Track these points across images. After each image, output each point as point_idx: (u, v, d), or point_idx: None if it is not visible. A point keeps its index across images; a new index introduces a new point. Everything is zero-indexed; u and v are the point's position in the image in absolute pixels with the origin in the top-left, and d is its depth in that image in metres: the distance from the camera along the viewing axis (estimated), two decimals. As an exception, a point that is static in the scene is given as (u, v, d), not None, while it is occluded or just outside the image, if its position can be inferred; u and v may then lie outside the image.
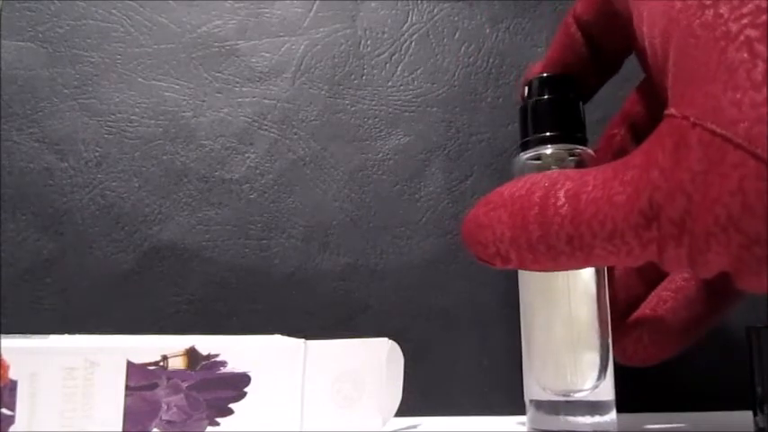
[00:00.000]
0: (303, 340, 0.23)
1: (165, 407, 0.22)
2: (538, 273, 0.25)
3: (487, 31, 0.35)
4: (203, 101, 0.34)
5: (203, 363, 0.22)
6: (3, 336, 0.21)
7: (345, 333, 0.31)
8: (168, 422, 0.22)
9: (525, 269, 0.22)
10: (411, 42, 0.34)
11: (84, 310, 0.32)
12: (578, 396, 0.24)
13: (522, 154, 0.26)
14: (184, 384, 0.22)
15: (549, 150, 0.25)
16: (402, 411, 0.25)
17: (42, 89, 0.33)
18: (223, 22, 0.34)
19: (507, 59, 0.34)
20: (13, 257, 0.32)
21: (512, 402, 0.30)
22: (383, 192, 0.33)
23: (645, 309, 0.28)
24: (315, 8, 0.35)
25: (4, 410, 0.21)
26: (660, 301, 0.28)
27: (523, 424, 0.27)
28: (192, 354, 0.22)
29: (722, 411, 0.31)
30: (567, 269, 0.21)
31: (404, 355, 0.25)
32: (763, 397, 0.24)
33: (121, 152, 0.33)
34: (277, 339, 0.23)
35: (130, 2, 0.34)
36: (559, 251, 0.20)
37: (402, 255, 0.33)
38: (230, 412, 0.22)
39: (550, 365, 0.24)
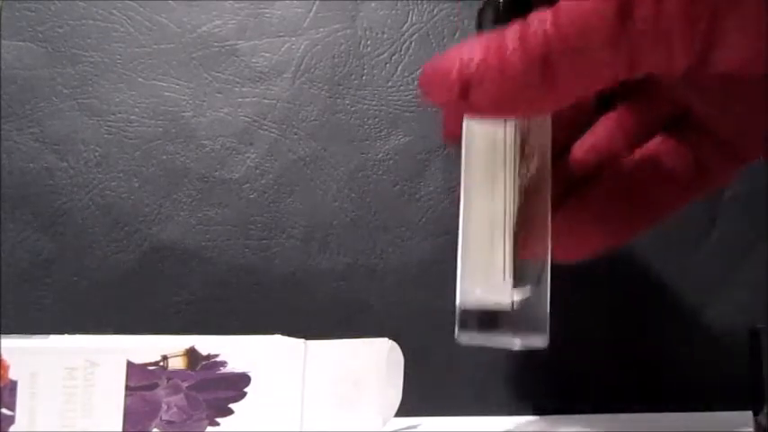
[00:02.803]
0: (303, 340, 0.23)
1: (165, 407, 0.22)
2: (477, 171, 0.23)
3: (487, 31, 0.35)
4: (203, 101, 0.34)
5: (203, 363, 0.22)
6: (3, 336, 0.21)
7: (345, 333, 0.31)
8: (168, 422, 0.22)
9: (482, 109, 0.19)
10: (411, 42, 0.34)
11: (84, 310, 0.32)
12: (508, 303, 0.21)
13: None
14: (184, 384, 0.22)
15: None
16: (402, 411, 0.25)
17: (42, 89, 0.33)
18: (223, 22, 0.34)
19: (507, 59, 0.34)
20: (12, 257, 0.32)
21: (512, 402, 0.30)
22: (383, 192, 0.33)
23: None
24: (315, 8, 0.35)
25: (4, 410, 0.21)
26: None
27: (523, 425, 0.27)
28: (192, 354, 0.22)
29: (722, 411, 0.31)
30: (530, 110, 0.19)
31: (404, 355, 0.25)
32: (765, 396, 0.24)
33: (121, 152, 0.33)
34: (277, 339, 0.23)
35: (130, 2, 0.34)
36: (533, 73, 0.18)
37: (402, 255, 0.33)
38: (230, 412, 0.22)
39: (481, 270, 0.22)
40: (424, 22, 0.35)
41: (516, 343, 0.21)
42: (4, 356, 0.21)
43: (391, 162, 0.34)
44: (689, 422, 0.29)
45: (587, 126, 0.26)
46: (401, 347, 0.25)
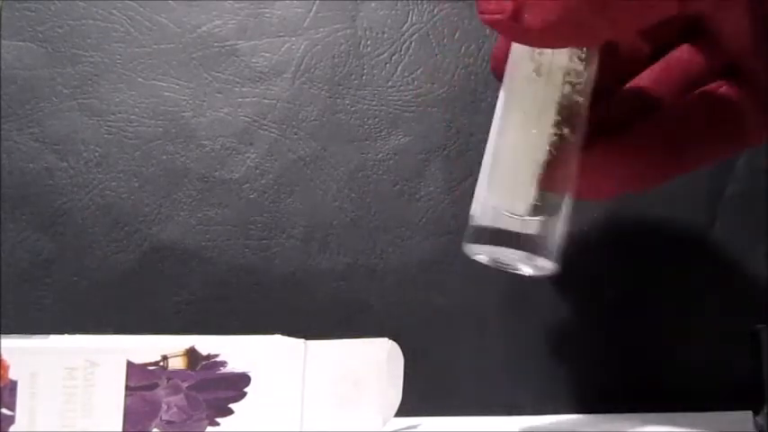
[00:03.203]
0: (303, 340, 0.23)
1: (165, 407, 0.22)
2: (517, 96, 0.22)
3: (487, 31, 0.35)
4: (203, 101, 0.34)
5: (203, 363, 0.22)
6: (3, 336, 0.21)
7: (345, 333, 0.31)
8: (168, 422, 0.22)
9: (531, 32, 0.19)
10: (411, 42, 0.34)
11: (84, 310, 0.32)
12: (525, 221, 0.21)
13: None
14: (184, 384, 0.22)
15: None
16: (402, 411, 0.25)
17: (42, 89, 0.33)
18: (223, 22, 0.34)
19: (507, 59, 0.34)
20: (12, 257, 0.32)
21: (512, 403, 0.30)
22: (383, 192, 0.33)
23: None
24: (315, 8, 0.35)
25: (4, 410, 0.21)
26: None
27: (523, 425, 0.27)
28: (192, 354, 0.22)
29: (722, 411, 0.31)
30: (582, 37, 0.19)
31: (404, 355, 0.25)
32: (765, 396, 0.24)
33: (121, 152, 0.33)
34: (277, 339, 0.23)
35: (130, 2, 0.34)
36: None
37: (402, 255, 0.33)
38: (230, 412, 0.22)
39: (504, 186, 0.22)
40: (424, 22, 0.35)
41: (524, 262, 0.21)
42: (4, 356, 0.21)
43: (391, 162, 0.34)
44: (689, 422, 0.29)
45: (636, 75, 0.25)
46: (401, 347, 0.25)
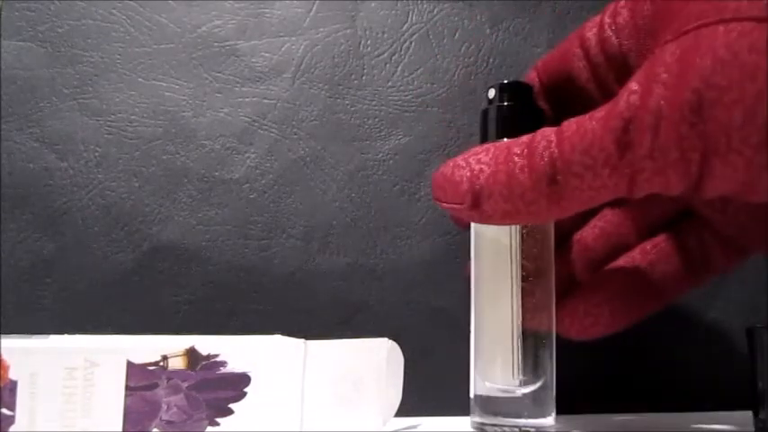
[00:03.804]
0: (303, 340, 0.23)
1: (165, 407, 0.22)
2: (488, 271, 0.25)
3: (487, 31, 0.35)
4: (203, 101, 0.34)
5: (203, 363, 0.22)
6: (3, 336, 0.21)
7: (345, 333, 0.31)
8: (168, 422, 0.22)
9: (491, 218, 0.21)
10: (411, 42, 0.34)
11: (84, 310, 0.32)
12: (521, 392, 0.24)
13: None
14: (184, 384, 0.22)
15: None
16: (402, 411, 0.25)
17: (42, 89, 0.33)
18: (223, 22, 0.34)
19: (507, 59, 0.34)
20: (13, 257, 0.32)
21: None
22: (383, 192, 0.33)
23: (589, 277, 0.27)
24: (315, 8, 0.35)
25: (4, 410, 0.21)
26: (602, 270, 0.27)
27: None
28: (192, 354, 0.22)
29: (722, 411, 0.31)
30: (536, 220, 0.21)
31: (404, 355, 0.25)
32: (765, 396, 0.24)
33: (121, 152, 0.33)
34: (277, 339, 0.23)
35: (130, 2, 0.34)
36: (540, 190, 0.20)
37: (402, 255, 0.33)
38: (230, 412, 0.22)
39: (495, 361, 0.25)
40: (424, 22, 0.35)
41: (527, 426, 0.24)
42: (4, 356, 0.21)
43: (391, 162, 0.34)
44: (689, 422, 0.29)
45: (591, 214, 0.28)
46: (401, 347, 0.25)
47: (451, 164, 0.22)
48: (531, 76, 0.27)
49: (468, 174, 0.21)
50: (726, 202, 0.24)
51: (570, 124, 0.20)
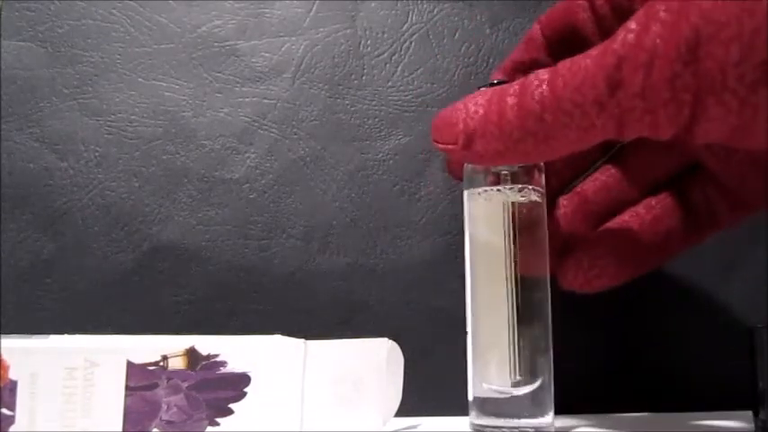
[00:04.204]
0: (303, 340, 0.23)
1: (165, 407, 0.22)
2: (483, 272, 0.25)
3: (487, 31, 0.35)
4: (203, 101, 0.34)
5: (203, 363, 0.22)
6: (3, 336, 0.21)
7: (345, 333, 0.31)
8: (168, 422, 0.22)
9: (482, 158, 0.21)
10: (411, 42, 0.34)
11: (84, 310, 0.32)
12: (518, 393, 0.24)
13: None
14: (184, 384, 0.22)
15: None
16: (402, 411, 0.25)
17: (42, 89, 0.33)
18: (223, 22, 0.34)
19: (507, 59, 0.34)
20: (13, 257, 0.32)
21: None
22: (383, 192, 0.33)
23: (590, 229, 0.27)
24: (315, 8, 0.35)
25: (4, 410, 0.21)
26: (606, 224, 0.27)
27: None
28: (192, 354, 0.22)
29: (722, 411, 0.31)
30: (526, 160, 0.21)
31: (404, 355, 0.25)
32: (765, 396, 0.24)
33: (121, 152, 0.33)
34: (277, 339, 0.23)
35: (130, 2, 0.34)
36: (527, 129, 0.20)
37: (402, 255, 0.33)
38: (230, 412, 0.22)
39: (493, 362, 0.25)
40: (424, 22, 0.35)
41: (526, 426, 0.24)
42: (4, 356, 0.21)
43: (391, 162, 0.34)
44: (689, 422, 0.29)
45: (592, 164, 0.28)
46: (401, 347, 0.25)
47: (450, 107, 0.22)
48: (533, 30, 0.27)
49: (464, 115, 0.21)
50: (729, 151, 0.23)
51: (565, 63, 0.20)
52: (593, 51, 0.19)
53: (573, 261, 0.26)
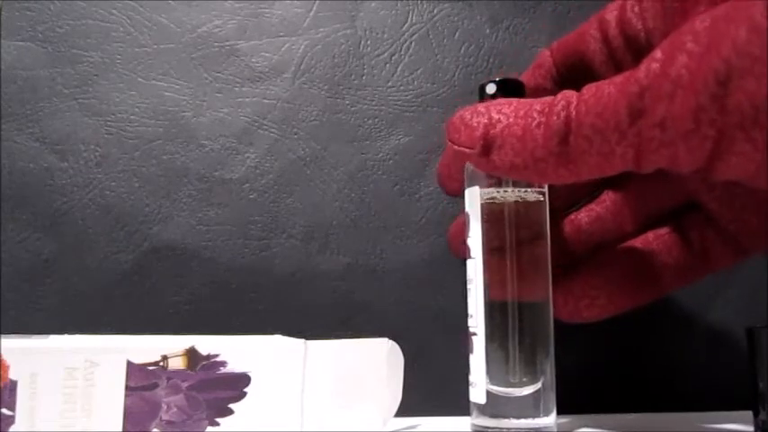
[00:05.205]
0: (303, 340, 0.23)
1: (165, 407, 0.22)
2: (485, 276, 0.25)
3: (487, 31, 0.35)
4: (203, 101, 0.34)
5: (203, 363, 0.22)
6: (3, 336, 0.21)
7: (345, 333, 0.31)
8: (168, 422, 0.22)
9: (497, 168, 0.21)
10: (411, 42, 0.34)
11: (84, 310, 0.32)
12: (520, 394, 0.24)
13: None
14: (184, 384, 0.22)
15: None
16: (402, 411, 0.25)
17: (42, 89, 0.33)
18: (223, 22, 0.34)
19: (507, 59, 0.34)
20: (13, 257, 0.32)
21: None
22: (383, 192, 0.33)
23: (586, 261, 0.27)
24: (315, 8, 0.35)
25: (4, 410, 0.21)
26: (600, 253, 0.27)
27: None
28: (192, 354, 0.22)
29: (722, 411, 0.31)
30: (541, 179, 0.21)
31: (404, 355, 0.25)
32: (765, 396, 0.24)
33: (121, 152, 0.33)
34: (277, 339, 0.23)
35: (130, 2, 0.34)
36: (550, 149, 0.20)
37: (402, 255, 0.33)
38: (230, 412, 0.22)
39: (494, 363, 0.25)
40: (424, 22, 0.35)
41: (528, 426, 0.24)
42: (4, 356, 0.21)
43: (391, 162, 0.34)
44: (689, 422, 0.29)
45: (587, 192, 0.28)
46: (401, 347, 0.25)
47: (472, 109, 0.22)
48: (543, 56, 0.26)
49: (486, 121, 0.21)
50: (733, 195, 0.23)
51: (590, 87, 0.20)
52: (618, 78, 0.19)
53: (563, 288, 0.26)
